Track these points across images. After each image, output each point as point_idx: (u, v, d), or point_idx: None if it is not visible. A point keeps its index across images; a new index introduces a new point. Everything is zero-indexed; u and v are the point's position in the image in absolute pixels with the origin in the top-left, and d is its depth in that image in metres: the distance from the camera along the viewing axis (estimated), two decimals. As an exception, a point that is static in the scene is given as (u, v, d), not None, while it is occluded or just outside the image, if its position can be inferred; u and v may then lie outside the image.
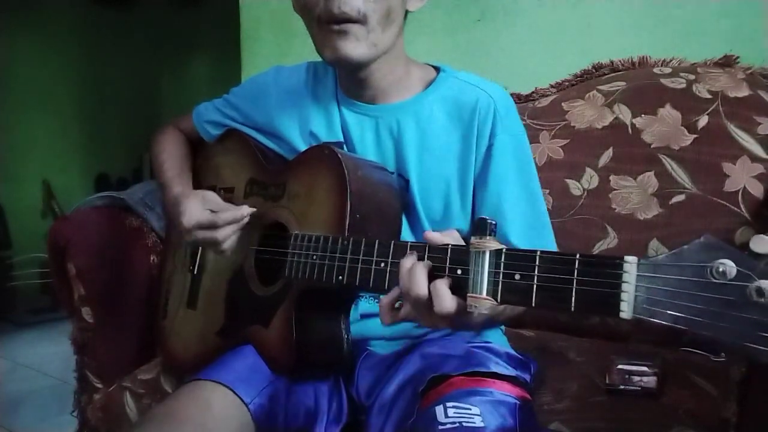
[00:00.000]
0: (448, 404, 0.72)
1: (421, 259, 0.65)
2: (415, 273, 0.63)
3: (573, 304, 0.53)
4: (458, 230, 0.90)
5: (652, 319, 0.48)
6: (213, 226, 0.89)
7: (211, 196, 0.94)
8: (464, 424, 0.69)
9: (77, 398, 1.26)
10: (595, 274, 0.52)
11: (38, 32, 3.71)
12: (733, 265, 0.45)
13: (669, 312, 0.47)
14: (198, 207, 0.92)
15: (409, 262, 0.65)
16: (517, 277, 0.57)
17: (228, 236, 0.90)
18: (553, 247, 0.90)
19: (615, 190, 1.19)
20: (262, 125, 1.04)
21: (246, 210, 0.90)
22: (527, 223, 0.87)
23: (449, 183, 0.90)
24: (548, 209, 1.20)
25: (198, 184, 1.10)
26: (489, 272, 0.58)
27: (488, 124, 0.88)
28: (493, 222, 0.59)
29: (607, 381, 0.91)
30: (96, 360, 1.21)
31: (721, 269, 0.45)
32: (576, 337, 1.15)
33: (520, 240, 0.85)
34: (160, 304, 1.15)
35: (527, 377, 0.86)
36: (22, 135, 3.66)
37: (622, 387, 0.90)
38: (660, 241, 1.13)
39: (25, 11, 3.61)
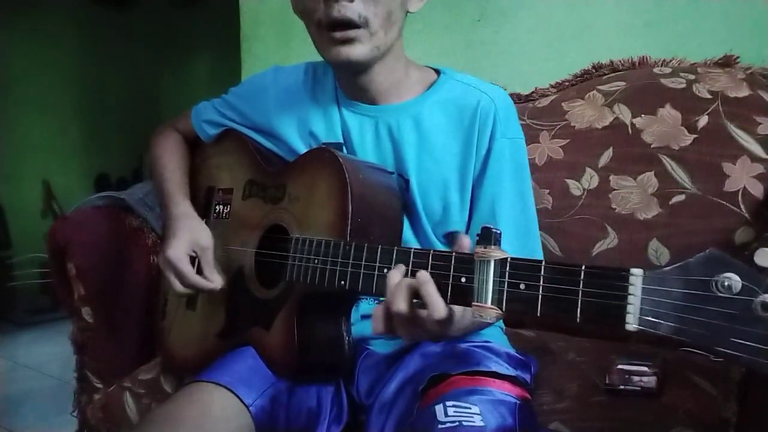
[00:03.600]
0: (448, 403, 0.72)
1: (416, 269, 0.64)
2: (398, 289, 0.64)
3: (578, 315, 0.53)
4: (456, 231, 0.91)
5: (657, 332, 0.48)
6: (180, 277, 0.94)
7: (204, 241, 0.96)
8: (464, 423, 0.69)
9: (77, 398, 1.26)
10: (601, 286, 0.52)
11: (38, 32, 3.71)
12: (738, 279, 0.45)
13: (673, 325, 0.47)
14: (185, 246, 0.95)
15: (395, 277, 0.65)
16: (522, 286, 0.57)
17: (184, 293, 0.96)
18: (539, 254, 0.91)
19: (615, 190, 1.18)
20: (260, 125, 1.04)
21: (217, 287, 0.94)
22: (518, 229, 0.87)
23: (448, 184, 0.90)
24: (548, 209, 1.22)
25: (196, 186, 1.11)
26: (494, 281, 0.58)
27: (488, 127, 0.89)
28: (498, 231, 0.59)
29: (607, 381, 0.91)
30: (96, 360, 1.21)
31: (726, 283, 0.45)
32: (576, 337, 1.15)
33: (509, 245, 0.85)
34: (159, 305, 1.15)
35: (527, 377, 0.86)
36: (22, 135, 3.65)
37: (622, 387, 0.90)
38: (660, 241, 1.13)
39: (25, 11, 3.60)
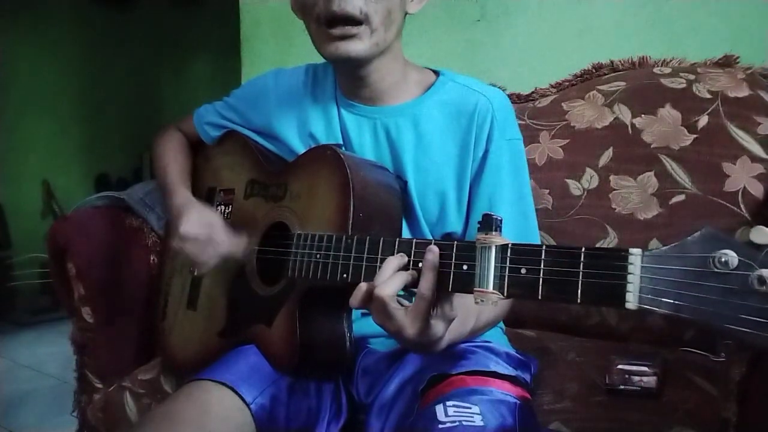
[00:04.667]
0: (448, 403, 0.72)
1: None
2: (393, 277, 0.65)
3: (579, 296, 0.54)
4: (453, 233, 0.91)
5: (656, 309, 0.49)
6: (207, 243, 0.91)
7: (213, 218, 0.94)
8: (464, 423, 0.69)
9: (77, 398, 1.26)
10: (601, 266, 0.52)
11: (38, 32, 3.70)
12: (735, 255, 0.46)
13: (673, 301, 0.48)
14: (197, 220, 0.93)
15: (393, 262, 0.66)
16: (523, 271, 0.57)
17: (211, 261, 0.92)
18: None
19: (615, 190, 1.18)
20: (259, 128, 1.04)
21: (243, 245, 0.91)
22: (517, 230, 0.87)
23: (446, 186, 0.90)
24: (548, 209, 1.22)
25: (198, 186, 1.11)
26: (495, 267, 0.59)
27: (486, 129, 0.89)
28: (499, 218, 0.60)
29: (607, 381, 0.91)
30: (96, 360, 1.21)
31: (723, 259, 0.46)
32: (576, 337, 1.15)
33: None
34: (159, 305, 1.15)
35: (527, 377, 0.86)
36: (22, 135, 3.65)
37: (622, 387, 0.90)
38: (660, 241, 1.13)
39: (25, 12, 3.60)
